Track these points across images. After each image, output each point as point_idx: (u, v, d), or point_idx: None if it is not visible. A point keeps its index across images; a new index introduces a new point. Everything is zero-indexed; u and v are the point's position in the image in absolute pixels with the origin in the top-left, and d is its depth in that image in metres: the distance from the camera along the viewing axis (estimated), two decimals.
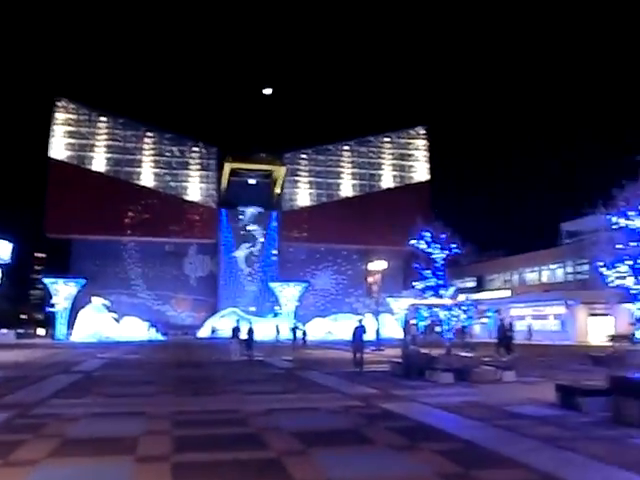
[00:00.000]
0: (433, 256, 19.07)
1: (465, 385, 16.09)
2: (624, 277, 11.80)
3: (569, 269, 64.02)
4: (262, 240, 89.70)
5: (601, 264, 12.12)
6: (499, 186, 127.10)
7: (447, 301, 18.92)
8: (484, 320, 61.25)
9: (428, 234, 18.91)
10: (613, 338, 29.69)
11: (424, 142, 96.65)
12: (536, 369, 21.38)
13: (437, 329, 66.21)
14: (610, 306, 53.55)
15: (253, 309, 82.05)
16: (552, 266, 67.61)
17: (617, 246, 11.78)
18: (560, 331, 55.28)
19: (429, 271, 19.09)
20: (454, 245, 18.86)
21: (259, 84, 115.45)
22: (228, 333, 24.59)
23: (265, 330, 53.10)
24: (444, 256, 19.01)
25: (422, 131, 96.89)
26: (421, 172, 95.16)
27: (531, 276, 71.74)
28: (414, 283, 19.28)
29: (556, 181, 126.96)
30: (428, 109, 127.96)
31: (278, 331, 50.64)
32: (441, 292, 18.86)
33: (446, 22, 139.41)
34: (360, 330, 20.79)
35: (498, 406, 12.27)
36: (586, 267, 61.27)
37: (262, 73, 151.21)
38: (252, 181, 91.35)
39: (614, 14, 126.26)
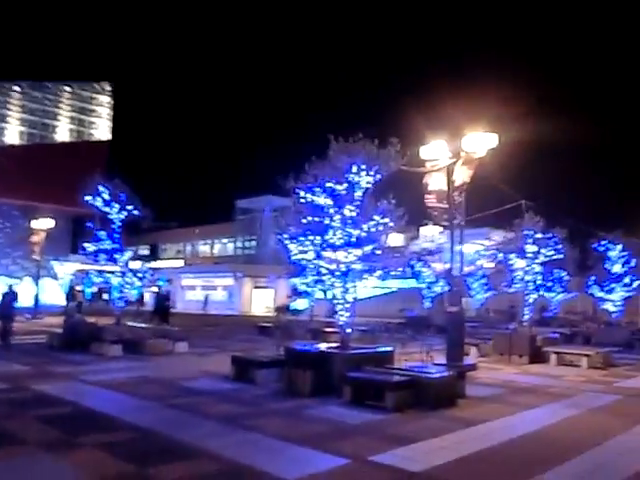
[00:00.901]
0: (110, 216, 17.13)
1: (136, 358, 14.81)
2: (306, 252, 11.78)
3: (239, 244, 67.08)
4: None
5: (286, 236, 11.89)
6: (183, 157, 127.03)
7: (117, 268, 17.26)
8: (154, 289, 60.35)
9: (106, 191, 16.91)
10: (277, 309, 31.32)
11: (109, 99, 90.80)
12: (207, 340, 21.17)
13: (105, 296, 64.22)
14: (272, 280, 57.65)
15: None
16: (224, 240, 70.11)
17: (302, 221, 11.66)
18: (227, 302, 57.33)
19: (104, 233, 17.11)
20: (132, 207, 17.20)
21: None
22: None
23: None
24: (122, 217, 17.23)
25: (108, 87, 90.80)
26: (103, 130, 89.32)
27: (204, 248, 73.39)
28: (86, 245, 17.08)
29: (235, 158, 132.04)
30: (118, 67, 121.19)
31: None
32: (116, 256, 17.08)
33: None
34: (9, 296, 17.87)
35: (172, 381, 11.32)
36: (254, 243, 65.11)
37: None
38: None
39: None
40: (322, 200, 11.73)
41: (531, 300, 17.68)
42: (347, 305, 11.47)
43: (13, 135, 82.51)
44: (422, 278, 34.02)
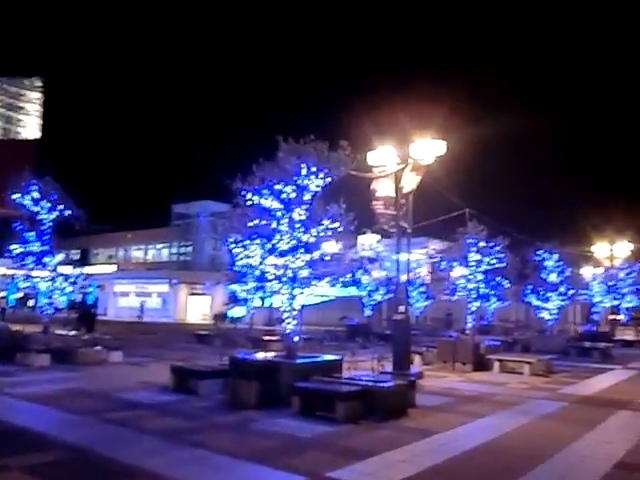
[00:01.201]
0: (39, 217, 16.15)
1: (66, 369, 13.89)
2: (252, 256, 11.32)
3: (174, 250, 65.61)
4: None
5: (231, 240, 11.39)
6: (117, 159, 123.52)
7: (46, 273, 16.28)
8: (80, 296, 58.26)
9: (36, 189, 15.93)
10: (216, 317, 30.45)
11: (39, 95, 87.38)
12: (143, 348, 20.29)
13: (31, 303, 61.37)
14: (208, 286, 56.58)
15: None
16: (158, 245, 68.43)
17: (249, 224, 11.20)
18: (162, 309, 55.86)
19: (33, 234, 16.10)
20: (64, 207, 16.26)
21: None
22: None
23: None
24: (53, 218, 16.27)
25: (38, 83, 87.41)
26: (32, 128, 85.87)
27: (137, 254, 71.41)
28: (12, 247, 16.02)
29: (171, 161, 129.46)
30: (50, 62, 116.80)
31: None
32: (45, 260, 16.09)
33: None
34: None
35: (107, 393, 10.60)
36: (190, 249, 63.81)
37: None
38: None
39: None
40: (269, 203, 11.30)
41: (473, 308, 17.75)
42: (294, 313, 11.05)
43: None
44: (363, 286, 33.95)
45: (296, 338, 10.95)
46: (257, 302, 58.62)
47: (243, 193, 11.30)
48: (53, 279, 16.42)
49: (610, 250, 31.73)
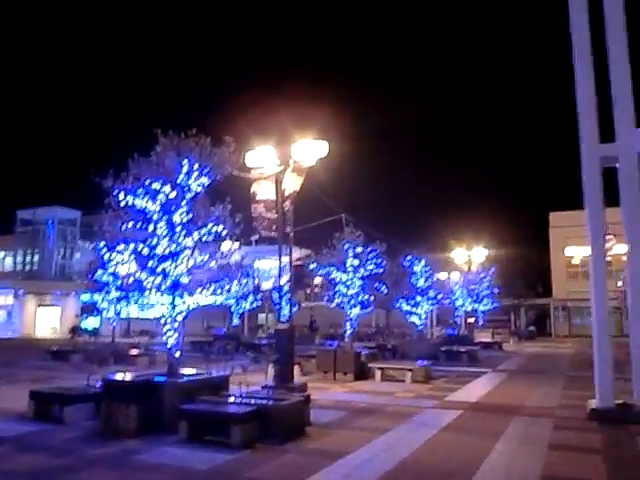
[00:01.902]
0: None
1: None
2: (125, 262, 10.14)
3: (19, 258, 60.52)
4: None
5: (102, 244, 10.14)
6: None
7: None
8: None
9: None
10: (73, 330, 27.85)
11: None
12: None
13: None
14: (59, 297, 52.63)
15: None
16: (1, 254, 62.86)
17: (122, 227, 10.02)
18: (7, 322, 50.98)
19: None
20: None
21: None
22: None
23: None
24: None
25: None
26: None
27: None
28: None
29: (19, 164, 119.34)
30: None
31: None
32: None
33: None
34: None
35: None
36: (37, 257, 59.10)
37: None
38: None
39: None
40: (145, 204, 10.20)
41: (352, 315, 17.50)
42: (175, 325, 10.01)
43: None
44: (230, 294, 32.90)
45: (177, 353, 9.91)
46: (111, 313, 55.87)
47: (115, 193, 10.12)
48: None
49: (468, 256, 33.24)
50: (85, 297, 56.30)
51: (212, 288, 10.25)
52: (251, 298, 30.07)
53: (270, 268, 30.55)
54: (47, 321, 51.97)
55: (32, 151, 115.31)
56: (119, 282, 20.91)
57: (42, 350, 24.01)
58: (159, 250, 9.97)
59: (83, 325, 52.24)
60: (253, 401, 8.42)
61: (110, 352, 20.01)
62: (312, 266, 17.59)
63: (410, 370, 14.95)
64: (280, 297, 14.33)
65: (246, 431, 7.72)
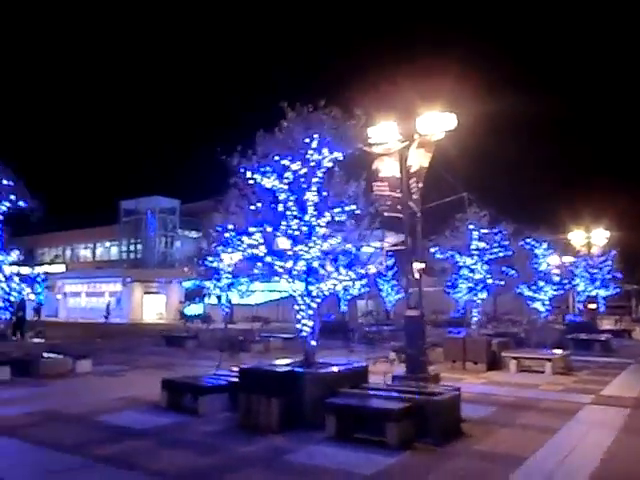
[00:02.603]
0: None
1: (30, 383, 11.82)
2: (256, 246, 9.56)
3: (124, 247, 62.72)
4: None
5: (230, 227, 9.58)
6: (60, 152, 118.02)
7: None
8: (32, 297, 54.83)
9: None
10: (184, 316, 27.75)
11: None
12: (109, 354, 18.16)
13: None
14: (162, 284, 54.11)
15: None
16: (107, 243, 65.40)
17: (251, 207, 9.43)
18: (116, 309, 52.98)
19: None
20: (16, 196, 14.05)
21: None
22: None
23: None
24: (4, 210, 14.07)
25: None
26: None
27: (85, 252, 68.09)
28: None
29: (118, 156, 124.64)
30: None
31: None
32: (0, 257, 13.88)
33: None
34: None
35: (87, 416, 8.65)
36: (140, 246, 60.99)
37: None
38: None
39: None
40: (273, 182, 9.56)
41: (479, 301, 16.35)
42: (309, 311, 9.33)
43: None
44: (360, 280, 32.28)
45: (313, 342, 9.23)
46: (213, 299, 56.77)
47: (242, 171, 9.53)
48: (8, 279, 14.20)
49: (587, 238, 31.00)
50: (187, 284, 57.95)
51: (348, 272, 9.49)
52: (362, 282, 29.34)
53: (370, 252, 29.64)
54: (153, 307, 53.63)
55: (134, 142, 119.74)
56: (230, 268, 20.85)
57: (153, 336, 24.44)
58: (291, 231, 9.32)
59: (186, 311, 53.52)
60: (406, 396, 7.58)
61: (223, 339, 19.84)
62: (433, 250, 16.51)
63: (549, 360, 13.68)
64: (387, 282, 13.43)
65: (403, 429, 6.92)
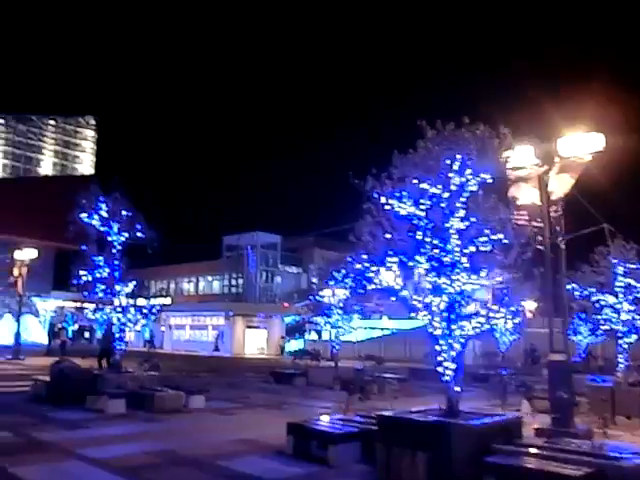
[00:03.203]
0: (110, 238, 13.86)
1: (145, 417, 11.39)
2: (394, 279, 8.65)
3: (225, 282, 63.72)
4: None
5: (365, 257, 8.71)
6: (176, 190, 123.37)
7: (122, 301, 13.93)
8: (137, 328, 56.44)
9: (104, 207, 13.68)
10: (296, 353, 26.73)
11: (93, 133, 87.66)
12: (218, 389, 17.61)
13: (87, 335, 59.56)
14: (263, 319, 54.19)
15: None
16: (209, 277, 66.71)
17: (386, 236, 8.55)
18: (218, 342, 53.51)
19: (101, 259, 13.79)
20: (135, 227, 13.92)
21: None
22: None
23: None
24: (122, 240, 13.98)
25: (92, 121, 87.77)
26: (86, 164, 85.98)
27: (187, 286, 69.75)
28: (81, 272, 13.66)
29: (220, 195, 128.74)
30: (102, 100, 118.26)
31: None
32: (117, 288, 13.74)
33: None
34: None
35: (206, 460, 7.95)
36: (241, 281, 61.70)
37: None
38: None
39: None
40: (411, 208, 8.65)
41: (625, 345, 14.55)
42: (452, 353, 8.25)
43: None
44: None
45: (457, 387, 8.13)
46: (313, 335, 56.09)
47: (375, 196, 8.70)
48: (124, 310, 14.05)
49: None
50: (288, 319, 57.96)
51: (500, 308, 8.39)
52: (516, 320, 27.69)
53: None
54: (254, 342, 53.73)
55: (235, 180, 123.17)
56: (340, 304, 19.97)
57: (260, 371, 23.88)
58: (431, 263, 8.36)
59: (286, 347, 53.21)
60: (585, 458, 6.31)
61: (333, 378, 18.94)
62: (569, 287, 14.94)
63: None
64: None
65: None
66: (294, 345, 53.87)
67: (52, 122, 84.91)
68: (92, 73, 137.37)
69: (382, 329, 53.07)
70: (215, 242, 63.11)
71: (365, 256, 8.80)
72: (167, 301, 64.80)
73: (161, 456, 8.11)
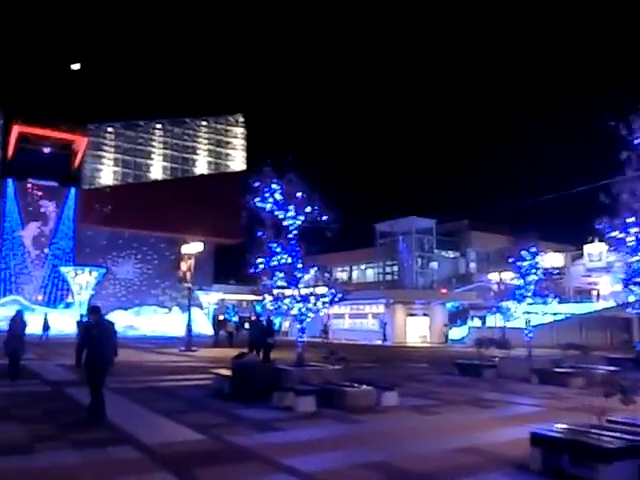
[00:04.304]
0: (285, 223, 12.83)
1: (338, 417, 10.22)
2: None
3: (379, 269, 62.51)
4: (55, 219, 76.78)
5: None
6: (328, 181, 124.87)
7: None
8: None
9: (279, 190, 12.65)
10: (479, 342, 24.53)
11: (242, 130, 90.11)
12: (401, 382, 16.18)
13: (246, 325, 60.66)
14: (422, 306, 52.21)
15: (40, 298, 69.70)
16: (362, 266, 65.90)
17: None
18: (377, 331, 52.42)
19: (277, 245, 12.80)
20: (312, 209, 12.72)
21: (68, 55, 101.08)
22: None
23: (61, 322, 42.73)
24: (299, 224, 12.89)
25: (241, 119, 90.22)
26: (238, 161, 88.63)
27: (340, 275, 69.39)
28: (259, 260, 12.78)
29: (373, 181, 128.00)
30: (248, 96, 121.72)
31: (47, 324, 33.67)
32: (297, 275, 12.71)
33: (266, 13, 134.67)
34: (18, 324, 14.82)
35: (431, 477, 6.51)
36: (395, 268, 60.08)
37: (73, 45, 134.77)
38: (47, 150, 77.64)
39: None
40: None
41: None
42: None
43: (157, 170, 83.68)
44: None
45: None
46: (476, 322, 53.07)
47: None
48: (304, 299, 13.06)
49: None
50: (449, 305, 55.58)
51: None
52: None
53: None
54: (416, 330, 52.07)
55: (389, 167, 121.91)
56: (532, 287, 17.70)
57: (439, 361, 22.25)
58: None
59: (450, 335, 50.84)
60: None
61: (530, 370, 16.86)
62: None
63: None
64: None
65: None
66: (456, 333, 51.46)
67: (204, 123, 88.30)
68: (238, 71, 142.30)
69: (554, 314, 49.06)
70: (368, 231, 62.02)
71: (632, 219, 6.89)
72: (323, 290, 65.13)
73: (377, 470, 6.79)
